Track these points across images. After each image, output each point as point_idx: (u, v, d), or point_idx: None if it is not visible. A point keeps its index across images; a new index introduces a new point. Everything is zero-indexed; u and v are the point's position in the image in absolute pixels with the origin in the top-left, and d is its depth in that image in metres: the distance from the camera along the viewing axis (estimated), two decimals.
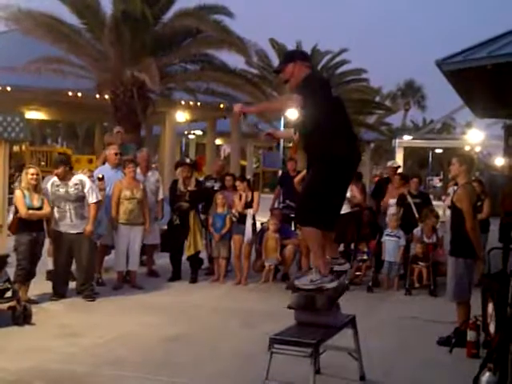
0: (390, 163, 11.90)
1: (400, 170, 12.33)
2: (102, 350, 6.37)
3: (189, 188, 10.17)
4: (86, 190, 8.41)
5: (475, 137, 24.22)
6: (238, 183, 10.30)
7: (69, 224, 8.32)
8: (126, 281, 9.50)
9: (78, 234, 8.34)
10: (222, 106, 23.01)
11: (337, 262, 5.20)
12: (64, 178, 8.40)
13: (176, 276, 10.11)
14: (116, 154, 9.93)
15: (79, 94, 21.05)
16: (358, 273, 10.06)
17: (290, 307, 5.16)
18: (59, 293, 8.42)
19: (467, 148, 26.00)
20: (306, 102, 4.76)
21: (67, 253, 8.39)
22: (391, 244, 9.98)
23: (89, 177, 8.96)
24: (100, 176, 9.29)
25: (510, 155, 8.82)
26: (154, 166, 11.47)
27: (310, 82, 4.90)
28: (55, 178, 8.45)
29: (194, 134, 35.96)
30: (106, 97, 18.19)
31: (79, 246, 8.35)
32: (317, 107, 4.77)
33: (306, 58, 5.33)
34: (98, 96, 19.20)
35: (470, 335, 6.38)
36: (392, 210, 10.46)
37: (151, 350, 6.43)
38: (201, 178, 11.61)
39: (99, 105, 19.84)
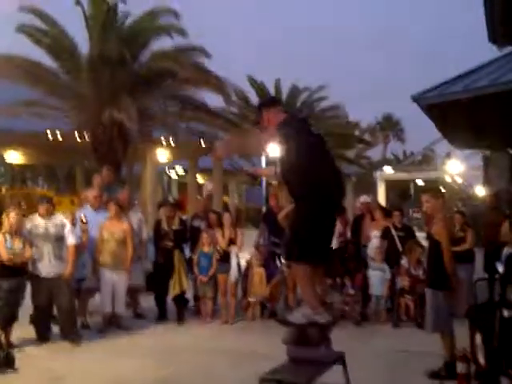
0: (362, 198, 11.97)
1: (381, 203, 12.39)
2: None
3: (173, 227, 10.15)
4: (65, 231, 8.36)
5: (455, 168, 24.46)
6: (226, 215, 10.35)
7: (47, 265, 8.22)
8: (112, 323, 9.37)
9: (56, 277, 8.22)
10: (202, 144, 23.10)
11: (327, 294, 5.21)
12: (45, 217, 8.34)
13: (162, 317, 10.02)
14: (95, 197, 9.86)
15: (59, 136, 21.03)
16: (345, 307, 10.02)
17: (284, 343, 5.14)
18: (43, 336, 8.30)
19: (447, 179, 26.23)
20: (285, 145, 4.81)
21: (47, 296, 8.27)
22: (377, 277, 9.98)
23: (71, 219, 8.91)
24: (83, 219, 9.23)
25: (489, 186, 8.93)
26: (135, 205, 11.41)
27: (287, 126, 4.95)
28: (36, 217, 8.38)
29: (176, 172, 35.97)
30: (86, 138, 18.18)
31: (58, 289, 8.24)
32: (296, 150, 4.82)
33: (276, 103, 5.43)
34: (77, 137, 19.19)
35: (460, 367, 6.36)
36: (375, 243, 10.48)
37: None
38: (185, 217, 11.59)
39: (79, 146, 19.80)
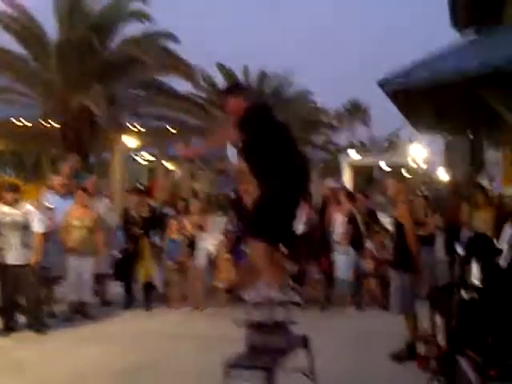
0: (326, 183, 12.11)
1: (347, 188, 12.52)
2: None
3: (141, 214, 10.17)
4: (32, 219, 8.34)
5: (419, 153, 24.76)
6: (195, 202, 10.42)
7: (14, 253, 8.20)
8: (78, 312, 9.36)
9: (23, 266, 8.21)
10: (171, 130, 23.02)
11: (286, 290, 5.23)
12: (12, 205, 8.31)
13: (130, 304, 10.07)
14: (61, 184, 9.82)
15: (26, 123, 20.78)
16: (310, 291, 10.17)
17: (239, 324, 5.17)
18: (8, 327, 8.28)
19: (411, 164, 26.54)
20: (248, 133, 4.86)
21: (13, 286, 8.25)
22: (342, 261, 10.14)
23: (36, 207, 8.88)
24: (48, 205, 9.20)
25: (450, 170, 9.11)
26: (103, 192, 11.39)
27: (250, 113, 5.00)
28: (3, 206, 8.35)
29: (144, 159, 35.73)
30: (54, 125, 18.03)
31: (25, 278, 8.23)
32: (260, 136, 4.88)
33: (241, 89, 5.47)
34: (45, 124, 19.01)
35: (420, 348, 6.54)
36: (341, 227, 10.62)
37: (107, 381, 6.39)
38: (154, 204, 11.60)
39: (47, 133, 19.62)
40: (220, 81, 28.65)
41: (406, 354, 6.78)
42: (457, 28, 13.24)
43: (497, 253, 6.03)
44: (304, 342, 5.52)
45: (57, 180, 9.99)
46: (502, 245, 6.15)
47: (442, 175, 24.63)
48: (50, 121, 18.32)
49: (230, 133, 5.00)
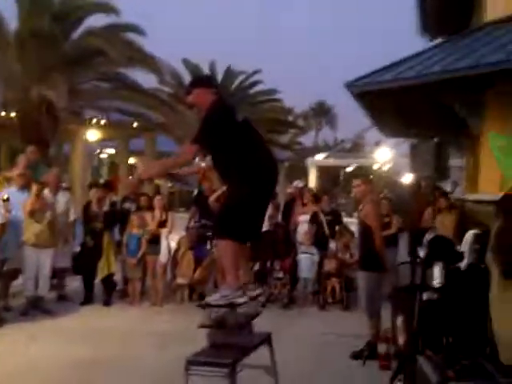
0: (294, 183, 12.18)
1: (312, 188, 12.57)
2: (11, 380, 6.14)
3: (103, 209, 10.05)
4: None
5: (384, 155, 25.00)
6: (157, 198, 10.35)
7: None
8: (36, 306, 9.16)
9: None
10: (134, 124, 22.81)
11: (249, 288, 5.20)
12: None
13: (89, 299, 9.92)
14: (20, 175, 9.61)
15: None
16: (273, 290, 10.16)
17: (201, 326, 5.14)
18: None
19: (376, 166, 26.80)
20: (212, 135, 4.80)
21: None
22: (306, 261, 10.16)
23: None
24: (5, 197, 8.96)
25: (415, 173, 9.19)
26: (63, 185, 11.21)
27: (215, 111, 4.94)
28: None
29: (106, 153, 35.40)
30: (13, 115, 17.70)
31: None
32: (224, 136, 4.82)
33: (210, 83, 5.37)
34: (3, 114, 18.66)
35: (381, 348, 6.57)
36: (305, 227, 10.64)
37: (64, 377, 6.29)
38: (115, 198, 11.46)
39: (5, 124, 19.27)
40: (186, 77, 28.45)
41: (367, 354, 6.80)
42: (426, 35, 13.40)
43: (458, 256, 6.08)
44: (267, 340, 5.50)
45: (15, 171, 9.77)
46: (464, 248, 6.20)
47: (406, 178, 24.90)
48: (9, 111, 17.99)
49: (190, 151, 4.92)
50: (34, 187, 9.15)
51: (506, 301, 0.87)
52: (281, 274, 10.19)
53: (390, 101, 10.24)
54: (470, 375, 4.47)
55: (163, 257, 10.03)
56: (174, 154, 5.35)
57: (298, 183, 12.10)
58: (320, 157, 28.19)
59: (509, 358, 0.99)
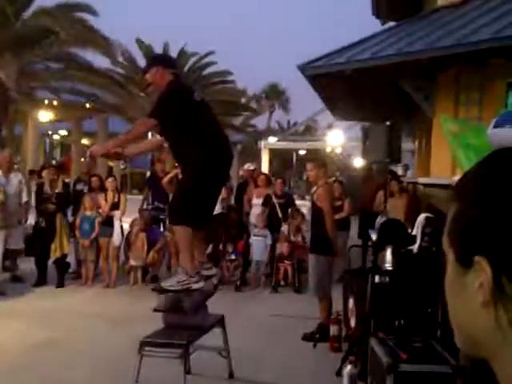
0: (246, 166, 12.18)
1: (265, 171, 12.60)
2: None
3: (56, 190, 9.91)
4: None
5: (336, 138, 25.16)
6: (110, 180, 10.26)
7: None
8: None
9: None
10: (87, 105, 22.49)
11: (204, 267, 5.23)
12: None
13: (41, 281, 9.79)
14: None
15: None
16: (226, 273, 10.20)
17: (156, 310, 5.15)
18: None
19: (328, 149, 26.98)
20: (167, 112, 4.76)
21: None
22: (258, 243, 10.21)
23: None
24: None
25: (366, 157, 9.30)
26: (16, 167, 11.01)
27: (171, 90, 4.90)
28: None
29: (58, 134, 34.83)
30: None
31: None
32: (180, 117, 4.79)
33: (170, 63, 5.32)
34: None
35: (333, 330, 6.67)
36: (258, 210, 10.68)
37: (17, 357, 6.22)
38: (68, 180, 11.31)
39: None
40: (140, 58, 28.11)
41: (319, 336, 6.88)
42: (379, 18, 13.48)
43: (409, 239, 6.19)
44: (220, 322, 5.54)
45: None
46: (416, 232, 6.31)
47: (358, 162, 25.15)
48: None
49: (146, 124, 4.88)
50: None
51: (461, 288, 0.89)
52: (233, 256, 10.23)
53: (342, 84, 10.28)
54: (422, 357, 4.58)
55: (116, 239, 9.96)
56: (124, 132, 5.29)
57: (249, 166, 12.09)
58: (273, 139, 28.19)
59: (464, 344, 1.02)
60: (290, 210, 10.54)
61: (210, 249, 10.07)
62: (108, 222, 9.91)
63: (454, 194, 0.87)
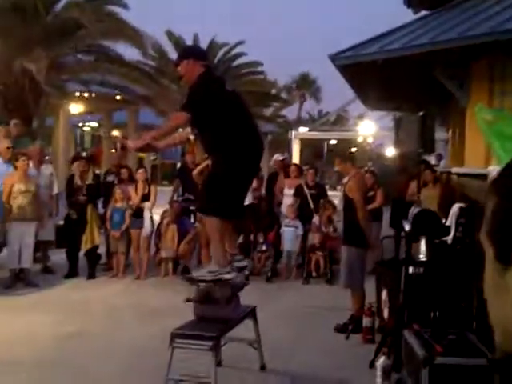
0: (275, 156, 12.09)
1: (296, 161, 12.51)
2: None
3: (86, 182, 9.96)
4: None
5: (367, 128, 24.96)
6: (140, 171, 10.28)
7: None
8: (20, 279, 9.14)
9: None
10: (117, 97, 22.60)
11: (235, 259, 5.20)
12: None
13: (73, 272, 9.87)
14: (8, 148, 9.51)
15: None
16: (257, 263, 10.17)
17: (188, 300, 5.14)
18: None
19: (360, 139, 26.81)
20: (199, 105, 4.72)
21: None
22: (290, 234, 10.15)
23: None
24: None
25: (399, 147, 9.15)
26: (47, 159, 11.08)
27: (202, 82, 4.86)
28: None
29: (89, 126, 35.12)
30: None
31: None
32: (211, 108, 4.75)
33: (201, 55, 5.28)
34: None
35: (365, 321, 6.59)
36: (289, 200, 10.62)
37: (47, 348, 6.26)
38: (99, 172, 11.37)
39: None
40: (170, 49, 28.16)
41: (351, 328, 6.82)
42: (411, 8, 13.27)
43: (443, 230, 6.08)
44: (251, 313, 5.51)
45: (3, 144, 9.63)
46: (450, 222, 6.20)
47: (390, 152, 24.92)
48: None
49: (180, 118, 4.84)
50: (20, 160, 9.05)
51: (502, 287, 0.86)
52: (264, 247, 10.19)
53: (374, 73, 10.16)
54: (458, 350, 4.49)
55: (146, 230, 9.98)
56: (158, 126, 5.28)
57: (278, 156, 12.01)
58: (303, 130, 28.07)
59: (504, 343, 0.98)
60: (321, 200, 10.46)
61: (240, 239, 10.05)
62: (138, 214, 9.93)
63: (493, 188, 0.81)
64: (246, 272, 5.64)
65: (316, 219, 10.20)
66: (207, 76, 4.99)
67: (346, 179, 7.31)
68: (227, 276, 4.95)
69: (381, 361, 5.18)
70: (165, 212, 10.30)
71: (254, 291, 7.45)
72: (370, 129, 24.70)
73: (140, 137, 5.21)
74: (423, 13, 11.70)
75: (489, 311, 0.85)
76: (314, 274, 10.00)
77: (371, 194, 10.07)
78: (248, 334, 5.63)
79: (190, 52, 5.47)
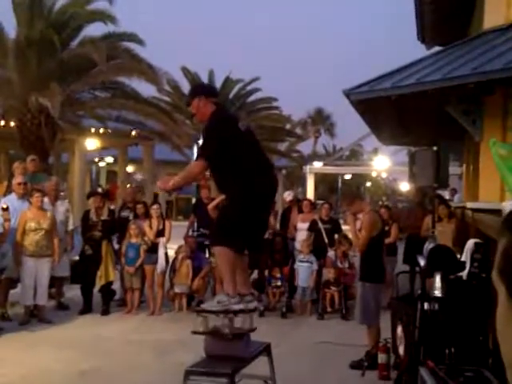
0: (285, 195, 11.92)
1: (310, 196, 12.49)
2: None
3: (101, 217, 10.01)
4: None
5: (382, 163, 25.00)
6: (154, 207, 10.31)
7: None
8: (34, 315, 9.14)
9: None
10: (133, 133, 22.83)
11: (246, 300, 5.13)
12: None
13: (87, 308, 9.85)
14: (19, 184, 9.57)
15: None
16: (271, 299, 10.12)
17: (195, 333, 5.09)
18: None
19: (374, 174, 26.81)
20: (216, 151, 4.78)
21: None
22: (304, 269, 10.11)
23: None
24: (4, 206, 8.89)
25: (413, 181, 9.16)
26: (62, 194, 11.17)
27: (215, 123, 4.93)
28: None
29: (104, 161, 35.43)
30: (12, 124, 17.70)
31: None
32: (227, 151, 4.80)
33: (211, 92, 5.34)
34: (3, 123, 18.66)
35: (381, 358, 6.53)
36: (303, 235, 10.60)
37: None
38: (113, 207, 11.42)
39: (4, 132, 19.27)
40: (185, 85, 28.51)
41: (367, 364, 6.75)
42: (424, 43, 13.41)
43: (459, 265, 6.04)
44: (266, 350, 5.46)
45: (16, 180, 9.73)
46: (465, 258, 6.17)
47: (404, 186, 24.90)
48: (8, 120, 17.99)
49: (198, 167, 4.92)
50: (35, 197, 9.12)
51: None
52: (279, 283, 10.15)
53: (388, 109, 10.23)
54: None
55: (161, 265, 9.98)
56: (182, 170, 5.33)
57: (289, 195, 11.84)
58: (318, 164, 28.18)
59: None
60: (336, 235, 10.43)
61: (255, 275, 10.04)
62: (153, 249, 9.95)
63: (505, 225, 0.82)
64: (261, 308, 5.60)
65: (331, 254, 10.17)
66: (220, 115, 5.04)
67: (361, 215, 7.31)
68: (236, 307, 4.91)
69: None
70: (180, 247, 10.31)
71: (269, 327, 7.44)
72: (385, 163, 24.74)
73: (164, 177, 5.31)
74: (436, 49, 11.81)
75: (501, 349, 0.85)
76: (328, 309, 9.93)
77: (386, 228, 10.05)
78: (263, 370, 5.58)
79: (200, 90, 5.54)
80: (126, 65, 17.38)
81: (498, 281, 0.84)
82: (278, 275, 10.19)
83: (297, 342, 8.27)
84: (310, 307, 10.10)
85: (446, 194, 13.31)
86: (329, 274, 9.99)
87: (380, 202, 13.14)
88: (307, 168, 25.93)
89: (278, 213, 11.99)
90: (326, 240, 10.39)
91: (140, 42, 17.75)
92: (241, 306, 4.95)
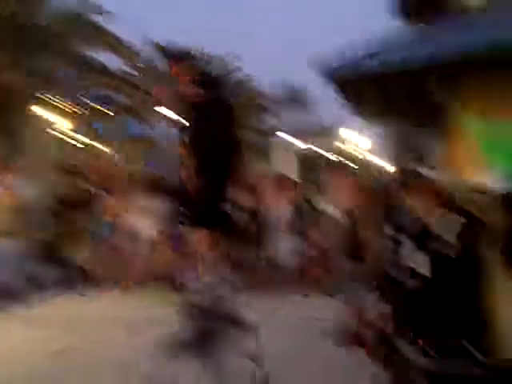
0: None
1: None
2: None
3: (75, 196, 9.92)
4: None
5: (362, 143, 24.94)
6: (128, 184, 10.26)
7: None
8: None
9: None
10: (105, 109, 22.58)
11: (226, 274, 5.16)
12: None
13: (62, 287, 9.75)
14: None
15: None
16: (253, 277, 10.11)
17: (179, 312, 5.07)
18: None
19: (356, 154, 26.82)
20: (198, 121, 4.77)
21: None
22: (287, 248, 10.14)
23: None
24: None
25: (396, 162, 9.21)
26: (34, 172, 11.10)
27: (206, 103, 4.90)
28: None
29: (75, 139, 34.98)
30: None
31: None
32: (198, 127, 4.80)
33: (187, 57, 5.28)
34: None
35: (364, 333, 6.52)
36: (285, 214, 10.55)
37: (36, 366, 6.15)
38: (87, 185, 11.33)
39: None
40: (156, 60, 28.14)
41: (351, 340, 6.76)
42: (405, 18, 13.33)
43: (442, 242, 6.06)
44: (251, 327, 5.45)
45: None
46: (448, 234, 6.18)
47: (387, 167, 25.10)
48: None
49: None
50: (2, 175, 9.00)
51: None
52: (261, 260, 10.14)
53: (371, 88, 10.18)
54: (456, 360, 4.47)
55: (138, 244, 9.91)
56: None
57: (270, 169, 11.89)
58: (296, 143, 28.20)
59: None
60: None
61: (237, 253, 10.01)
62: (130, 228, 9.82)
63: (506, 205, 0.76)
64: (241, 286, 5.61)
65: (313, 232, 10.17)
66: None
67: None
68: (221, 285, 4.92)
69: (381, 374, 5.14)
70: (158, 226, 10.22)
71: (251, 305, 7.38)
72: (365, 143, 24.86)
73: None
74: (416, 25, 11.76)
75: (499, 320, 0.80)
76: (312, 287, 9.91)
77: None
78: (248, 348, 5.55)
79: (175, 55, 5.44)
80: (93, 38, 17.13)
81: (499, 258, 0.79)
82: (260, 253, 10.14)
83: (281, 319, 8.23)
84: (293, 285, 10.06)
85: (429, 173, 13.33)
86: (312, 251, 9.99)
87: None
88: (279, 144, 25.93)
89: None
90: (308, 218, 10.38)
91: (109, 15, 17.50)
92: (224, 283, 4.95)
